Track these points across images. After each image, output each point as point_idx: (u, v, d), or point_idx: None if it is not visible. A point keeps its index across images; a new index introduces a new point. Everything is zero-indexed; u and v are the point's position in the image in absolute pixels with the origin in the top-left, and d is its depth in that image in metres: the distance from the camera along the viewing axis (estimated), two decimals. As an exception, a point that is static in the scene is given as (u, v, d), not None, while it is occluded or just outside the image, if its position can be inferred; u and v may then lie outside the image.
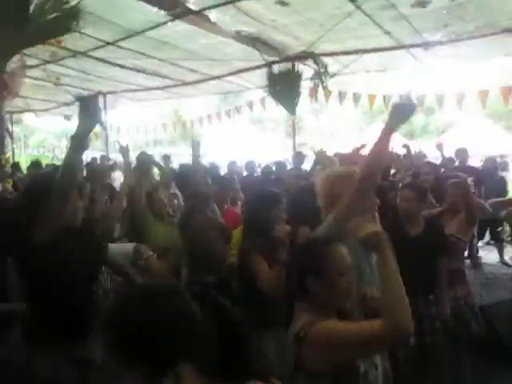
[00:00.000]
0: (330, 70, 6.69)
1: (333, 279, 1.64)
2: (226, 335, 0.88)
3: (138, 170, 5.49)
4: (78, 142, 2.05)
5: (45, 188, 2.07)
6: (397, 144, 5.53)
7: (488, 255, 7.66)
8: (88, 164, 6.49)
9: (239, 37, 5.97)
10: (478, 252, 7.40)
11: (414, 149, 6.46)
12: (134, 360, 0.83)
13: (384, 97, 7.64)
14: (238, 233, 3.17)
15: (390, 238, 3.05)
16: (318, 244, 1.81)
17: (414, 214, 3.38)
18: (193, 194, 3.35)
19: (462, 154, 7.13)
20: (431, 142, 12.53)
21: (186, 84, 8.51)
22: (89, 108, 2.07)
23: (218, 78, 7.96)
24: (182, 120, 11.75)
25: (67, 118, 11.77)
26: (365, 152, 5.39)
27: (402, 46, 6.15)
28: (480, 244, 7.69)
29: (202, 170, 4.10)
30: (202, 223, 3.37)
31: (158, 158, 6.84)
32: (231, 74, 7.72)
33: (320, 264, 1.66)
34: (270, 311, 2.60)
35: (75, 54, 6.46)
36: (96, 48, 6.27)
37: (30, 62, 6.52)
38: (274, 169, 6.96)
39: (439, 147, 6.06)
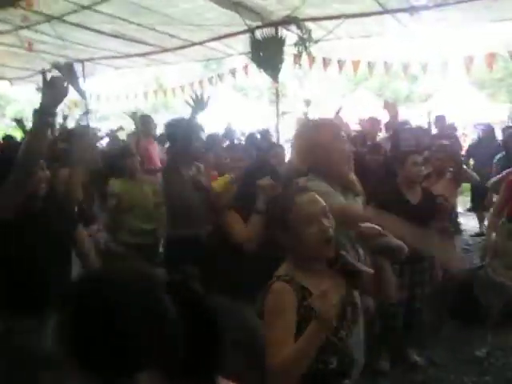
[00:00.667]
0: (314, 35, 6.54)
1: (298, 229, 1.60)
2: (200, 335, 0.78)
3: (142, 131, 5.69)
4: (42, 117, 1.94)
5: (4, 164, 1.98)
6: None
7: (468, 222, 7.79)
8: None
9: (220, 1, 5.77)
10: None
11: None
12: (84, 358, 0.71)
13: (368, 63, 7.55)
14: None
15: (391, 205, 3.09)
16: (284, 195, 1.81)
17: (419, 179, 3.37)
18: (179, 148, 3.27)
19: (440, 121, 7.19)
20: (415, 110, 12.53)
21: (166, 50, 8.27)
22: (56, 80, 1.95)
23: (200, 43, 7.75)
24: (164, 88, 11.49)
25: (40, 90, 11.35)
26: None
27: (387, 11, 6.02)
28: (460, 211, 7.80)
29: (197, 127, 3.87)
30: (183, 180, 3.32)
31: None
32: (213, 39, 7.51)
33: (284, 215, 1.63)
34: (245, 270, 2.53)
35: (50, 18, 6.19)
36: (72, 12, 6.01)
37: (1, 27, 6.25)
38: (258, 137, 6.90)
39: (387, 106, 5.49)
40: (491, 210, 4.02)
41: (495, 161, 6.00)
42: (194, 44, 7.80)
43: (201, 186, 3.39)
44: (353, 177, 2.33)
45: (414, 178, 3.34)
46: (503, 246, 3.53)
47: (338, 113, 5.19)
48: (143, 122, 6.30)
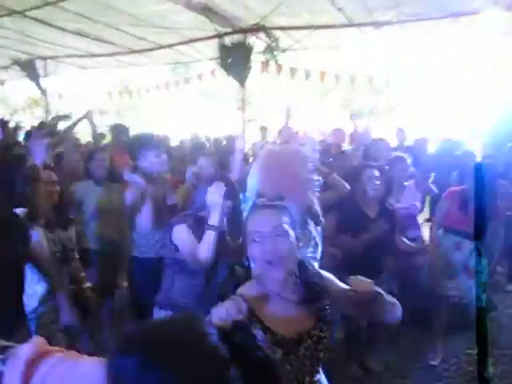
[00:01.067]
0: (282, 44, 6.62)
1: (247, 246, 1.58)
2: None
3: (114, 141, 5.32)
4: None
5: None
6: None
7: (426, 233, 7.99)
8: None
9: (190, 5, 5.75)
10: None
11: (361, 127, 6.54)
12: None
13: (334, 74, 7.69)
14: None
15: (351, 219, 3.07)
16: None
17: (375, 193, 3.37)
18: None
19: (400, 134, 7.39)
20: (378, 123, 12.83)
21: (133, 52, 8.16)
22: None
23: (168, 46, 7.69)
24: (129, 89, 11.31)
25: (1, 82, 10.97)
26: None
27: (354, 24, 6.16)
28: (420, 221, 7.98)
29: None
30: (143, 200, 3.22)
31: (104, 129, 6.57)
32: (181, 43, 7.47)
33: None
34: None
35: (11, 13, 6.00)
36: (35, 8, 5.85)
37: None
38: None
39: (353, 119, 5.55)
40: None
41: (452, 177, 6.02)
42: (161, 47, 7.73)
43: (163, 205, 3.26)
44: (316, 205, 2.35)
45: (370, 193, 3.34)
46: (447, 258, 3.62)
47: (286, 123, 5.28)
48: (117, 133, 5.58)
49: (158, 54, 8.19)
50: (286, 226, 1.57)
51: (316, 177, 2.38)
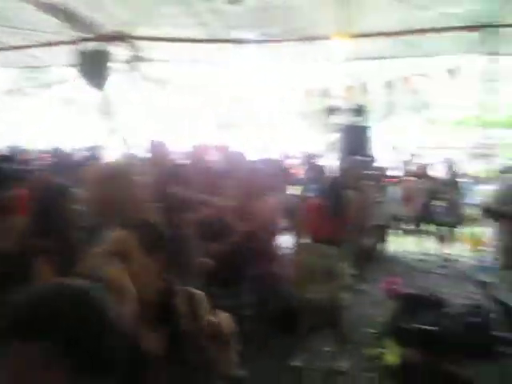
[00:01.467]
0: (145, 54, 6.54)
1: None
2: None
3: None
4: None
5: None
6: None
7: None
8: None
9: (45, 6, 5.36)
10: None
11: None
12: None
13: (198, 87, 7.81)
14: None
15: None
16: None
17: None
18: None
19: (263, 147, 7.84)
20: (240, 136, 13.23)
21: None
22: None
23: (18, 48, 7.05)
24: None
25: None
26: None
27: (216, 40, 6.33)
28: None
29: None
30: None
31: None
32: (34, 46, 6.91)
33: None
34: None
35: None
36: None
37: None
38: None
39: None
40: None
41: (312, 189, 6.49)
42: (10, 48, 7.06)
43: None
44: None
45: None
46: (309, 263, 3.90)
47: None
48: None
49: (7, 55, 7.47)
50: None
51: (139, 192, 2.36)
